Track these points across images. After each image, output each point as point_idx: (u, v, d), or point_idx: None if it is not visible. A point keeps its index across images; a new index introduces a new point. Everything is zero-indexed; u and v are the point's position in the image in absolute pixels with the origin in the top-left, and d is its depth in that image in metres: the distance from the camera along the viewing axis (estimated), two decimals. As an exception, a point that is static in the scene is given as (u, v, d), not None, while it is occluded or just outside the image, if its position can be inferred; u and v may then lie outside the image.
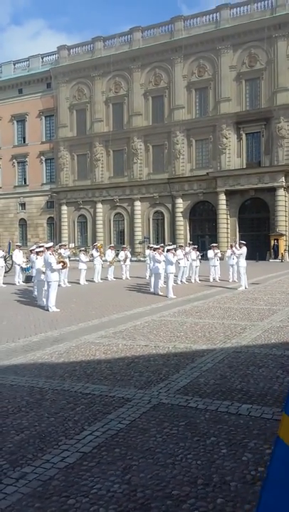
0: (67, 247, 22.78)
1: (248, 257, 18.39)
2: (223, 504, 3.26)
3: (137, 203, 45.41)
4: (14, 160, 52.89)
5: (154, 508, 3.23)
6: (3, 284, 19.87)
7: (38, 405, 5.27)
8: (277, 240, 38.35)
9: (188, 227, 43.38)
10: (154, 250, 17.29)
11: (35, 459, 3.98)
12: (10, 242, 31.87)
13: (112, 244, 29.74)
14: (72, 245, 25.65)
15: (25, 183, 52.59)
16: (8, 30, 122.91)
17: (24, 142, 52.36)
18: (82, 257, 20.80)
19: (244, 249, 17.84)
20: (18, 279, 20.94)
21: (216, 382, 5.99)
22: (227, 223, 40.91)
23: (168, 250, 16.30)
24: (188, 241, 34.63)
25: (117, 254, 24.23)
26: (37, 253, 14.53)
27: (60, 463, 3.90)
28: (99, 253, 21.95)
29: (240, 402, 5.25)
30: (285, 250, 38.27)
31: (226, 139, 40.89)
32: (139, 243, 44.35)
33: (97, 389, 5.79)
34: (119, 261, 23.41)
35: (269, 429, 4.51)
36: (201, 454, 4.03)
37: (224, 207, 40.64)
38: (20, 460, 3.96)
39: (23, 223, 53.01)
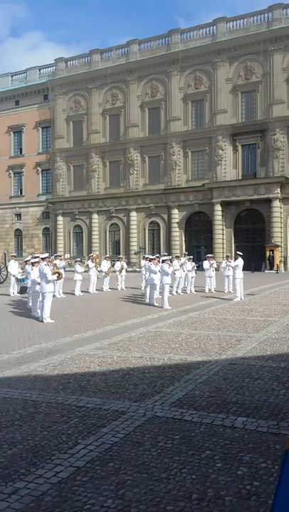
0: (62, 257, 22.74)
1: (244, 268, 18.40)
2: (218, 520, 3.22)
3: (133, 214, 45.52)
4: (10, 171, 53.02)
5: (147, 524, 3.19)
6: (-2, 294, 19.79)
7: (32, 419, 5.22)
8: (273, 251, 38.45)
9: (183, 238, 43.45)
10: (149, 261, 17.27)
11: (28, 473, 3.92)
12: (5, 253, 31.75)
13: (108, 255, 29.70)
14: (67, 256, 25.61)
15: (21, 193, 52.67)
16: (6, 42, 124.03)
17: (21, 153, 52.54)
18: (78, 267, 20.77)
19: (240, 261, 17.86)
20: (13, 289, 20.87)
21: (211, 395, 5.95)
22: (223, 234, 41.01)
23: (163, 261, 16.29)
24: (184, 251, 34.65)
25: (112, 265, 24.20)
26: (32, 264, 14.48)
27: (53, 478, 3.84)
28: (94, 264, 21.92)
29: (235, 415, 5.21)
30: (280, 261, 38.37)
31: (222, 150, 41.16)
32: (135, 254, 44.37)
33: (91, 402, 5.73)
34: (114, 271, 23.38)
35: (264, 443, 4.48)
36: (196, 468, 3.99)
37: (220, 218, 40.76)
38: (12, 475, 3.91)
39: (18, 234, 52.99)
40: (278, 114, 39.03)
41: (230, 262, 20.28)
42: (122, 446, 4.42)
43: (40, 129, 51.18)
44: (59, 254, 26.69)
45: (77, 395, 6.04)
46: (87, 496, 3.55)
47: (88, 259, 23.23)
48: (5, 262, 27.91)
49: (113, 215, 46.83)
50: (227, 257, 22.51)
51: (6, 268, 23.62)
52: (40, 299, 13.07)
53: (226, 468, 3.98)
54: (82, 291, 20.48)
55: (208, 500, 3.47)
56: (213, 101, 41.90)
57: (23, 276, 20.25)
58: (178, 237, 43.31)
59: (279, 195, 38.40)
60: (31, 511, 3.36)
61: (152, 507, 3.39)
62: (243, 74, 40.78)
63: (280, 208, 38.76)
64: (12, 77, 54.37)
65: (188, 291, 20.65)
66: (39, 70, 52.26)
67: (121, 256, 30.42)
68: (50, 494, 3.59)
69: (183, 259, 21.86)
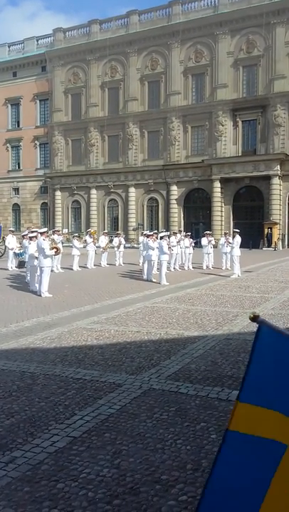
0: (60, 232, 22.68)
1: (241, 245, 18.42)
2: (212, 489, 3.28)
3: (132, 190, 45.22)
4: (8, 144, 52.37)
5: (143, 492, 3.25)
6: (-4, 268, 19.80)
7: (29, 390, 5.27)
8: (271, 228, 38.40)
9: (182, 215, 43.30)
10: (147, 237, 17.24)
11: (25, 443, 3.98)
12: (0, 226, 31.35)
13: (106, 231, 29.62)
14: (65, 231, 25.54)
15: (19, 167, 52.14)
16: (4, 11, 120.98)
17: (18, 126, 51.80)
18: (76, 242, 20.74)
19: (239, 238, 17.92)
20: (11, 264, 20.87)
21: (206, 369, 6.01)
22: (221, 211, 40.87)
23: (161, 238, 16.26)
24: (180, 228, 34.59)
25: (110, 241, 24.18)
26: (30, 238, 14.44)
27: (50, 447, 3.90)
28: (92, 239, 21.89)
29: (230, 388, 5.27)
30: (278, 239, 38.37)
31: (222, 126, 40.66)
32: (133, 230, 44.27)
33: (88, 374, 5.79)
34: (112, 247, 23.36)
35: (259, 416, 4.53)
36: (191, 439, 4.05)
37: (219, 194, 40.55)
38: (10, 444, 3.96)
39: (16, 208, 52.69)
40: (280, 89, 38.40)
41: (228, 238, 20.27)
42: (118, 418, 4.48)
43: (37, 101, 50.33)
44: (57, 229, 26.61)
45: (74, 367, 6.10)
46: (83, 465, 3.61)
47: (86, 235, 23.18)
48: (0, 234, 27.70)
49: (112, 190, 46.52)
50: (225, 234, 22.48)
51: (4, 242, 23.54)
52: (38, 273, 13.08)
53: (220, 439, 4.03)
54: (80, 267, 20.50)
55: (202, 471, 3.53)
56: (213, 75, 41.15)
57: (21, 251, 20.24)
58: (176, 213, 43.14)
59: (279, 172, 38.13)
60: (28, 480, 3.42)
61: (147, 476, 3.45)
62: (244, 47, 39.94)
63: (280, 185, 38.54)
64: (9, 47, 53.19)
65: (186, 268, 20.69)
66: (37, 41, 51.09)
67: (119, 232, 30.36)
68: (47, 463, 3.65)
69: (179, 235, 21.86)
